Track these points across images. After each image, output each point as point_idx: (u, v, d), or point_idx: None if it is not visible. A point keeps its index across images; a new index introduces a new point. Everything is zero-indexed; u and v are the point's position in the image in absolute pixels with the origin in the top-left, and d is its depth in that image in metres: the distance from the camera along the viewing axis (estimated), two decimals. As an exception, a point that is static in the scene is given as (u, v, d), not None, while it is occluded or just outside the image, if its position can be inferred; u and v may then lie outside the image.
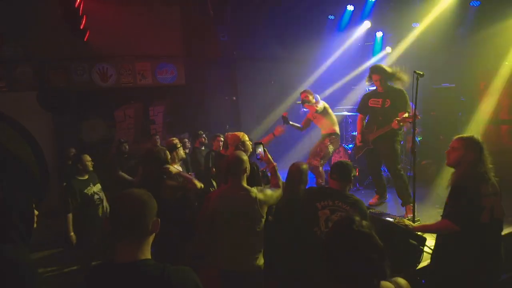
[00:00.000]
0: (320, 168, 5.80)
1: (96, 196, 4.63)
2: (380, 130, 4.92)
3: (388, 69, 4.89)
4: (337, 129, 5.91)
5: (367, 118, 5.34)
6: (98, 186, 4.77)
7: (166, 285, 1.47)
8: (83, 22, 5.63)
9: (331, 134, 5.83)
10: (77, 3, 5.20)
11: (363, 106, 5.26)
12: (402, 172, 4.94)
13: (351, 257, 1.46)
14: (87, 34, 6.02)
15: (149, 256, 1.56)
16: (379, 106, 4.97)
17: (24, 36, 6.70)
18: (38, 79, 7.01)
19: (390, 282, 1.56)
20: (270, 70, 9.35)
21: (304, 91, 5.88)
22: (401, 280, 1.62)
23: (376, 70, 4.90)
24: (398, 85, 4.87)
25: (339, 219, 1.56)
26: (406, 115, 4.58)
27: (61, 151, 6.20)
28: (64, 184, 4.78)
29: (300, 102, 5.83)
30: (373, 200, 5.40)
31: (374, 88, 5.23)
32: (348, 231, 1.51)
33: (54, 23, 6.19)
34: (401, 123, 4.56)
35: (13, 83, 6.84)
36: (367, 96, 5.20)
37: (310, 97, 5.73)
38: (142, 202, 1.56)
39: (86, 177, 4.62)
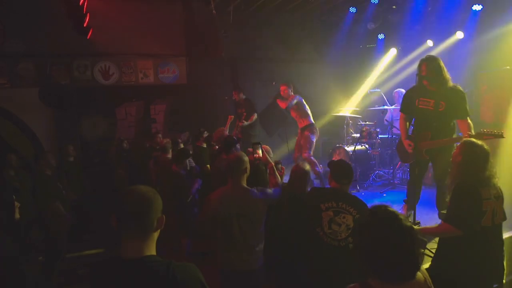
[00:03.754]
0: (312, 158, 6.20)
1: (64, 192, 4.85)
2: (441, 141, 4.08)
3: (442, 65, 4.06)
4: (312, 119, 6.39)
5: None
6: None
7: (171, 281, 1.48)
8: (87, 19, 5.62)
9: (307, 126, 6.30)
10: (81, 1, 5.19)
11: (408, 105, 4.38)
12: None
13: (401, 250, 1.50)
14: (90, 32, 6.02)
15: (154, 253, 1.58)
16: (431, 108, 4.07)
17: (27, 32, 6.71)
18: (40, 75, 7.02)
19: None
20: (271, 71, 9.36)
21: (285, 84, 6.44)
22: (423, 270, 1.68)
23: (429, 60, 4.05)
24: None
25: (380, 213, 1.61)
26: (485, 130, 3.70)
27: (62, 148, 6.22)
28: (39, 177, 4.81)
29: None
30: (402, 211, 4.75)
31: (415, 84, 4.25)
32: (396, 223, 1.54)
33: (57, 20, 6.20)
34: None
35: (15, 79, 6.85)
36: (413, 94, 4.24)
37: (289, 91, 6.37)
38: (148, 199, 1.57)
39: (49, 173, 4.70)
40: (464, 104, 4.04)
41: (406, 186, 5.15)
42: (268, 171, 3.53)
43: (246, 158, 3.04)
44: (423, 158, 4.21)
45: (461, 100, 4.03)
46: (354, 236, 1.66)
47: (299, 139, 6.46)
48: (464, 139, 2.90)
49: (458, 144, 2.83)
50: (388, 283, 1.52)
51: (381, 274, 1.52)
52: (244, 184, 3.00)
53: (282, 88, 6.46)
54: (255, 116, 7.18)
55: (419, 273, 1.59)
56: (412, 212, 4.14)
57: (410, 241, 1.51)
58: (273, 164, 3.44)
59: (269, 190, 3.09)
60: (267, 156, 3.54)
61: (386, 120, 7.21)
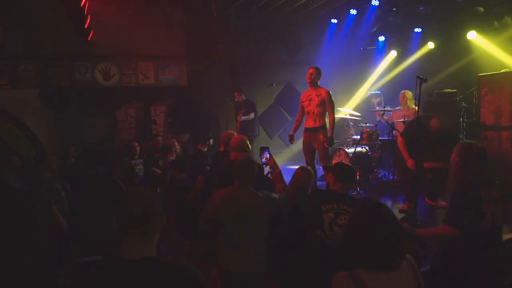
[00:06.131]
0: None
1: (63, 193, 4.85)
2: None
3: None
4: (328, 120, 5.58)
5: None
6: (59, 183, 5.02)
7: (172, 282, 1.48)
8: (88, 21, 5.64)
9: (323, 127, 5.53)
10: (82, 3, 5.20)
11: (410, 135, 4.82)
12: None
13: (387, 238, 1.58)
14: (91, 33, 6.04)
15: (154, 253, 1.58)
16: None
17: (28, 33, 6.72)
18: (40, 77, 7.03)
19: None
20: (271, 72, 9.38)
21: (313, 67, 5.72)
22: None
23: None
24: None
25: (368, 204, 1.71)
26: None
27: (63, 149, 6.22)
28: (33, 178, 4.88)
29: None
30: (403, 207, 4.90)
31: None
32: (379, 213, 1.64)
33: (58, 21, 6.22)
34: None
35: (16, 81, 6.85)
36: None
37: (316, 75, 5.61)
38: (150, 200, 1.58)
39: (50, 175, 4.81)
40: None
41: (405, 188, 5.19)
42: (275, 176, 3.53)
43: (255, 161, 3.03)
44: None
45: None
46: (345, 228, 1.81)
47: (318, 147, 5.55)
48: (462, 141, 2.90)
49: (456, 146, 2.82)
50: (373, 272, 1.58)
51: (366, 263, 1.59)
52: (251, 187, 2.99)
53: (311, 71, 5.71)
54: (253, 114, 7.18)
55: (406, 263, 1.66)
56: (413, 214, 4.17)
57: (392, 230, 1.59)
58: (280, 169, 3.44)
59: (274, 195, 3.09)
60: (274, 161, 3.54)
61: (384, 118, 7.07)
